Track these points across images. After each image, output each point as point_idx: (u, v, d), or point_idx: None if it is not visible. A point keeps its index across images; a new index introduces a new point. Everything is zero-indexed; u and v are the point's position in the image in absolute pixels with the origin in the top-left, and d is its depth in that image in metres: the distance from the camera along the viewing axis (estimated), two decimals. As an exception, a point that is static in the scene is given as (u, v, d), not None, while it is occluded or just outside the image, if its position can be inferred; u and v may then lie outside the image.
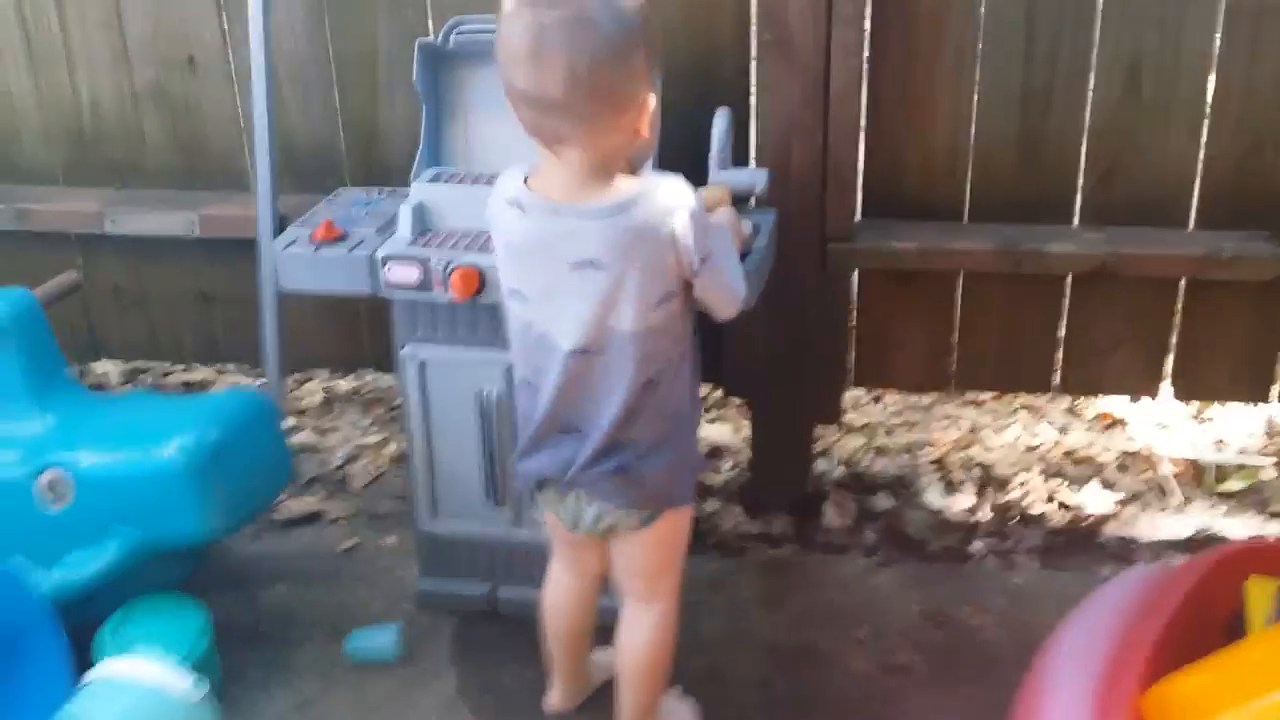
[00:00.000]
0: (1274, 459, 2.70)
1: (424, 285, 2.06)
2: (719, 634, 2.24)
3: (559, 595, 1.99)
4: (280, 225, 2.45)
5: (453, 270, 2.04)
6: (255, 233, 2.49)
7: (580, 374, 1.68)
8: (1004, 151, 2.36)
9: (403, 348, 2.17)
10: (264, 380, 2.60)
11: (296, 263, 2.14)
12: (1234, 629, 1.66)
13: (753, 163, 2.38)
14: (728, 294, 1.71)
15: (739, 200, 2.10)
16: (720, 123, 2.14)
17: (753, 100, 2.36)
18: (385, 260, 2.07)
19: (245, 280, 2.65)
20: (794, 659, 2.19)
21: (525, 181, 1.67)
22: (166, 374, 3.09)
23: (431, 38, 2.24)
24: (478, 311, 2.09)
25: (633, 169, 1.69)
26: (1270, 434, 2.79)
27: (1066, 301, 2.43)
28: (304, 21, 2.47)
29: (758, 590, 2.37)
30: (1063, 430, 2.84)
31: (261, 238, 2.45)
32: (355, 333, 2.72)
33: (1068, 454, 2.75)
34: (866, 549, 2.48)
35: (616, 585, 1.92)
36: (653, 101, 1.61)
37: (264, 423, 2.16)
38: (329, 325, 2.72)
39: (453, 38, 2.22)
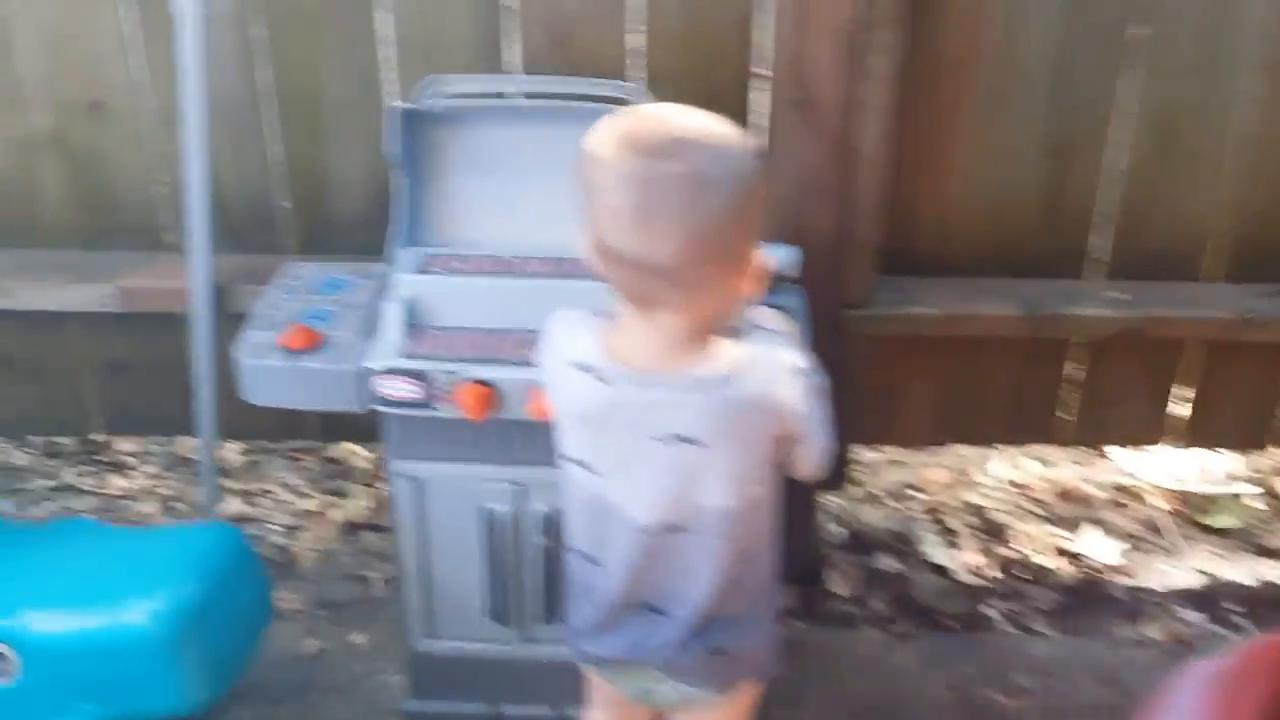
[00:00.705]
0: (1259, 489, 2.67)
1: (425, 402, 1.80)
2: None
3: (602, 749, 1.79)
4: (217, 295, 2.13)
5: (461, 386, 1.78)
6: (183, 306, 2.15)
7: (660, 551, 1.46)
8: (1024, 203, 2.20)
9: (394, 463, 1.91)
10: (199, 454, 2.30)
11: (267, 376, 1.84)
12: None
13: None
14: (824, 451, 1.50)
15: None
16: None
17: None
18: (377, 374, 1.79)
19: (162, 347, 2.32)
20: (835, 774, 2.06)
21: (599, 339, 1.42)
22: (83, 452, 2.72)
23: (406, 102, 1.92)
24: (485, 426, 1.83)
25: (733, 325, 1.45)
26: (1255, 464, 2.76)
27: (1082, 355, 2.31)
28: (234, 56, 2.11)
29: (776, 683, 2.21)
30: (1046, 463, 2.75)
31: (198, 311, 2.11)
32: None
33: (1058, 492, 2.66)
34: (878, 620, 2.34)
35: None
36: (764, 256, 1.38)
37: (242, 564, 1.87)
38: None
39: (428, 98, 1.92)
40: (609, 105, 1.97)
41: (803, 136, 2.02)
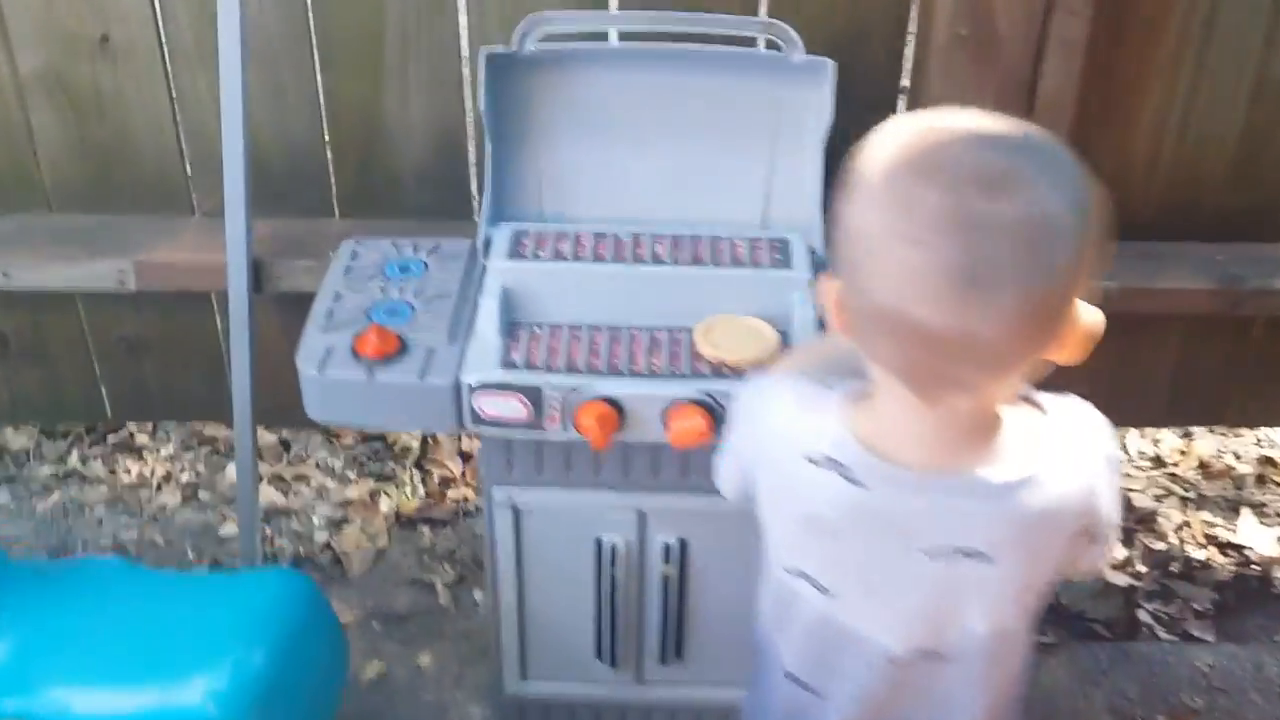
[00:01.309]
0: None
1: (533, 422, 1.46)
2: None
3: None
4: (255, 272, 1.77)
5: (581, 406, 1.44)
6: (212, 285, 1.81)
7: (910, 683, 1.13)
8: (1217, 154, 1.85)
9: (492, 489, 1.58)
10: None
11: (340, 393, 1.49)
12: None
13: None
14: (1112, 548, 1.17)
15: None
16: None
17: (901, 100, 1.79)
18: (476, 390, 1.45)
19: (184, 323, 1.97)
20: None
21: (843, 423, 1.05)
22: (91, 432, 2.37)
23: (499, 46, 1.55)
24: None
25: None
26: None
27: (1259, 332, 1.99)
28: (272, -18, 1.73)
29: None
30: (1186, 434, 2.44)
31: (235, 295, 1.76)
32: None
33: (1201, 467, 2.36)
34: (1018, 629, 2.06)
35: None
36: (1092, 312, 0.98)
37: (315, 622, 1.53)
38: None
39: (529, 41, 1.55)
40: (746, 48, 1.61)
41: (971, 79, 1.66)
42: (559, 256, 1.55)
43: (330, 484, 2.30)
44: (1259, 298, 1.84)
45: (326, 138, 1.84)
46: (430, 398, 1.47)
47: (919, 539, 1.03)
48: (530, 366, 1.46)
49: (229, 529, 2.17)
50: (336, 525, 2.22)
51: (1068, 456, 1.03)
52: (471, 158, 1.87)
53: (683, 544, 1.60)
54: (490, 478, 1.57)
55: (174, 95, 1.81)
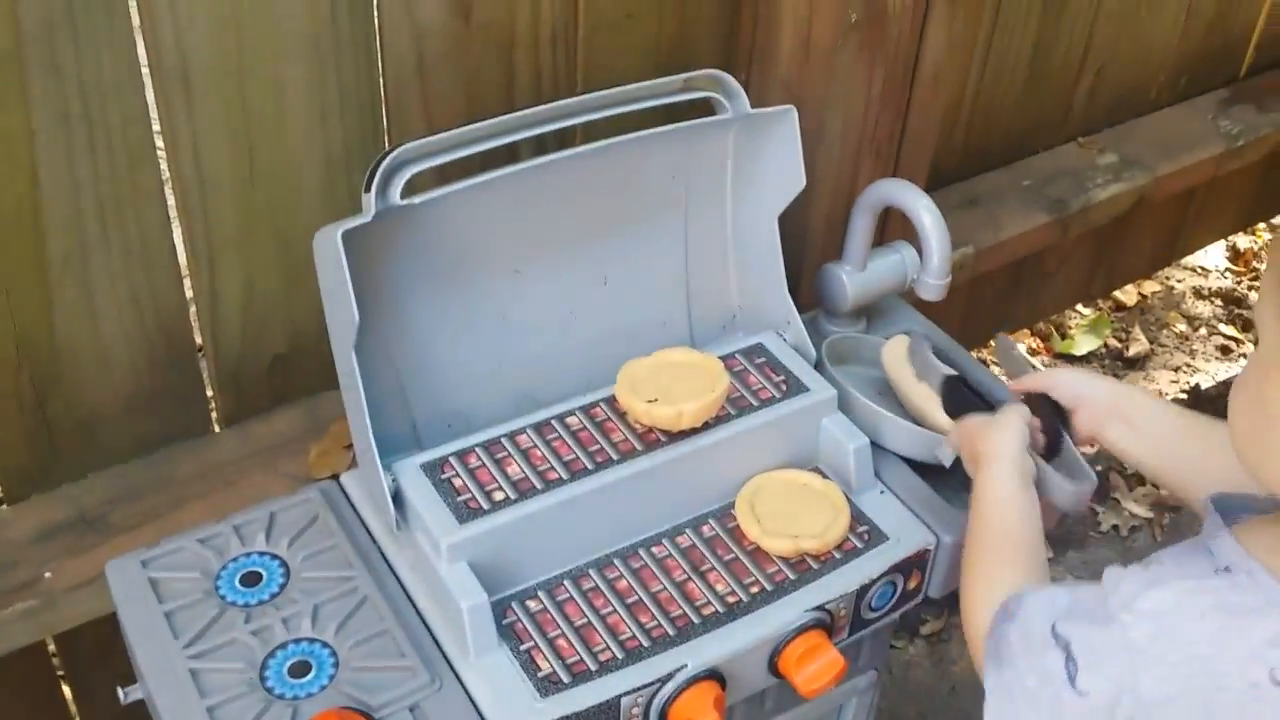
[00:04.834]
0: None
1: (606, 742, 0.99)
2: None
3: None
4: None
5: (678, 699, 0.99)
6: None
7: None
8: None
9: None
10: None
11: None
12: None
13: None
14: None
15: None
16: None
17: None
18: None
19: None
20: None
21: None
22: None
23: (353, 217, 0.94)
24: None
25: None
26: None
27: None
28: None
29: None
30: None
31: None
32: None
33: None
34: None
35: None
36: None
37: None
38: None
39: (392, 191, 0.96)
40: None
41: (864, 68, 1.30)
42: (523, 489, 1.03)
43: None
44: (1083, 215, 1.72)
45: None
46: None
47: None
48: (577, 674, 0.97)
49: None
50: None
51: None
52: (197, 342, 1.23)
53: None
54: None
55: None
